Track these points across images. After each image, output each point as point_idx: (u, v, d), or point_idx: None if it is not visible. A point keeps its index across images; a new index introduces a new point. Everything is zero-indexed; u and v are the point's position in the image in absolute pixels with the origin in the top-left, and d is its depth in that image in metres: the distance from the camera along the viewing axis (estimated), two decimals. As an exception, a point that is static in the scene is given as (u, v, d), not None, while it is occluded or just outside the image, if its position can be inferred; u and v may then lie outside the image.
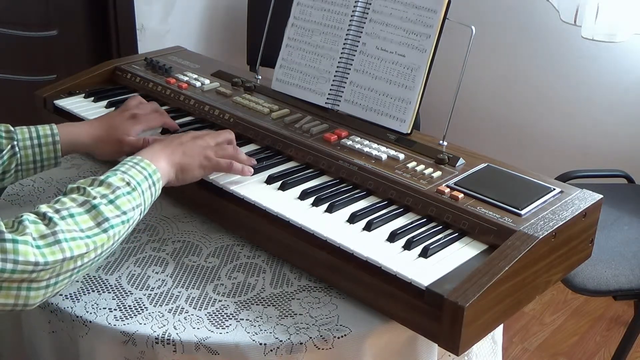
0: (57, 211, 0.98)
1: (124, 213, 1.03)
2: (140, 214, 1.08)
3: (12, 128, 1.23)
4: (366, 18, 1.42)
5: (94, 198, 1.01)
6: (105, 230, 1.00)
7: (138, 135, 1.31)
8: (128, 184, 1.06)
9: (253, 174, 1.28)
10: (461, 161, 1.28)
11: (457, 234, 1.13)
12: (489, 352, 1.28)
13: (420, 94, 1.35)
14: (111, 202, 1.02)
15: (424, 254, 1.07)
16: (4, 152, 1.21)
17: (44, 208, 0.99)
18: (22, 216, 0.96)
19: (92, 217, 1.00)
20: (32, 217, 0.97)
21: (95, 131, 1.29)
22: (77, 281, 1.16)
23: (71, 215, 0.98)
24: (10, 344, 1.23)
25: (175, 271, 1.19)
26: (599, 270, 1.80)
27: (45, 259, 0.93)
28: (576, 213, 1.14)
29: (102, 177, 1.05)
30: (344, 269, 1.09)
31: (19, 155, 1.23)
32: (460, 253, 1.09)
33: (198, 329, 1.06)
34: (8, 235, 0.92)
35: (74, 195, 1.02)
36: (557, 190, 1.20)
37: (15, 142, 1.22)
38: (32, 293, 0.95)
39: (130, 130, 1.30)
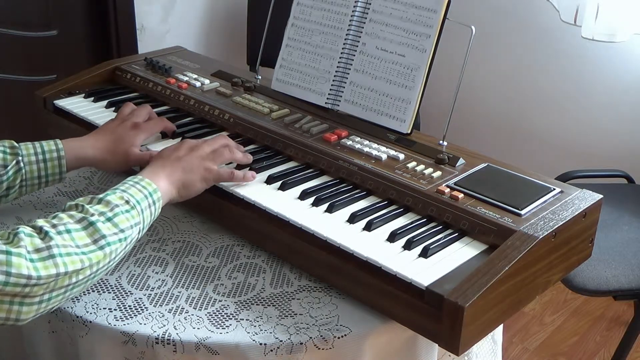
0: (53, 226, 0.97)
1: (122, 231, 1.02)
2: (139, 233, 1.07)
3: (16, 144, 1.22)
4: (366, 18, 1.42)
5: (92, 215, 1.01)
6: (101, 248, 0.99)
7: (141, 143, 1.31)
8: (127, 202, 1.05)
9: (253, 174, 1.28)
10: (461, 161, 1.28)
11: (457, 234, 1.13)
12: (489, 352, 1.28)
13: (420, 94, 1.35)
14: (109, 219, 1.02)
15: (424, 254, 1.07)
16: (9, 168, 1.20)
17: (40, 222, 0.98)
18: (18, 228, 0.96)
19: (88, 233, 0.99)
20: (28, 230, 0.96)
21: (101, 144, 1.28)
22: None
23: (68, 231, 0.97)
24: (10, 344, 1.23)
25: (175, 271, 1.19)
26: (599, 270, 1.80)
27: (38, 273, 0.92)
28: (576, 213, 1.14)
29: (101, 196, 1.05)
30: (344, 269, 1.09)
31: (23, 170, 1.22)
32: (460, 253, 1.09)
33: (198, 329, 1.06)
34: (2, 247, 0.91)
35: (72, 212, 1.01)
36: (557, 190, 1.20)
37: (20, 158, 1.21)
38: (24, 308, 0.94)
39: (135, 141, 1.29)
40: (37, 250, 0.94)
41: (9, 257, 0.91)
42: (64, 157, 1.25)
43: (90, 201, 1.04)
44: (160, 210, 1.12)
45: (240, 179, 1.24)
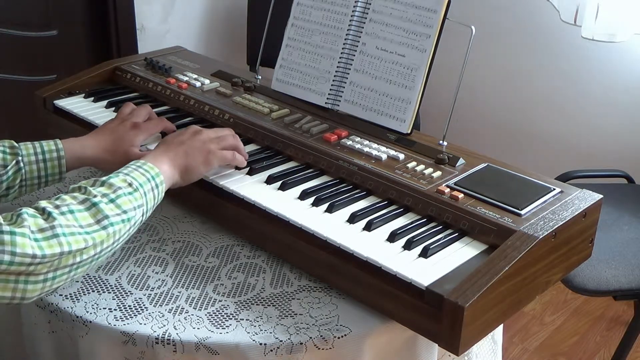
0: (56, 207, 0.99)
1: (125, 212, 1.03)
2: (143, 215, 1.08)
3: (16, 144, 1.23)
4: (366, 18, 1.42)
5: (95, 196, 1.02)
6: (104, 228, 1.00)
7: (141, 143, 1.31)
8: (130, 184, 1.06)
9: (253, 174, 1.28)
10: (461, 161, 1.28)
11: (457, 234, 1.13)
12: (489, 352, 1.28)
13: (420, 94, 1.35)
14: (112, 201, 1.03)
15: (424, 254, 1.07)
16: (9, 168, 1.20)
17: (43, 203, 0.99)
18: (21, 209, 0.97)
19: (91, 214, 1.00)
20: (32, 211, 0.97)
21: (101, 144, 1.29)
22: (77, 281, 1.16)
23: (71, 212, 0.99)
24: (10, 344, 1.23)
25: (175, 271, 1.19)
26: (599, 270, 1.80)
27: (42, 251, 0.93)
28: (576, 213, 1.14)
29: (103, 178, 1.06)
30: (344, 269, 1.09)
31: (23, 170, 1.22)
32: (460, 253, 1.09)
33: (198, 329, 1.06)
34: (6, 227, 0.92)
35: (74, 194, 1.03)
36: (557, 190, 1.20)
37: (19, 158, 1.21)
38: (29, 286, 0.95)
39: (134, 141, 1.29)
40: (41, 230, 0.95)
41: (13, 237, 0.92)
42: (64, 157, 1.25)
43: (93, 183, 1.05)
44: (163, 193, 1.13)
45: (239, 162, 1.26)
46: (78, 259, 0.98)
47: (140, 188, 1.07)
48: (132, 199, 1.05)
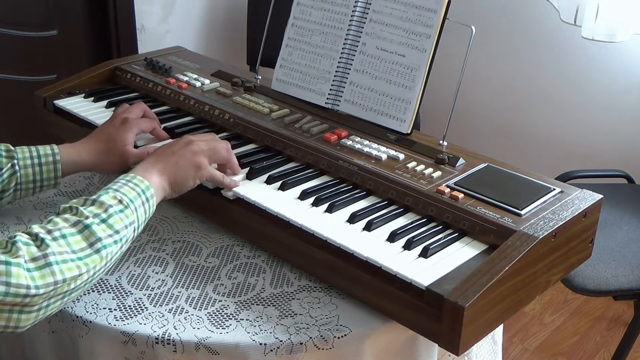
0: (49, 232, 0.97)
1: (117, 232, 1.02)
2: (135, 231, 1.07)
3: (12, 147, 1.22)
4: (366, 18, 1.42)
5: (87, 218, 1.00)
6: (97, 251, 0.99)
7: (133, 139, 1.30)
8: (120, 201, 1.04)
9: (254, 175, 1.28)
10: (461, 161, 1.28)
11: (457, 234, 1.13)
12: (489, 352, 1.28)
13: (420, 94, 1.35)
14: (104, 221, 1.01)
15: (424, 254, 1.07)
16: (4, 171, 1.20)
17: (36, 228, 0.98)
18: (15, 237, 0.96)
19: (84, 237, 0.99)
20: (25, 238, 0.96)
21: (94, 147, 1.27)
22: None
23: (63, 236, 0.97)
24: (10, 344, 1.23)
25: (175, 271, 1.19)
26: (599, 270, 1.80)
27: (35, 282, 0.92)
28: (576, 213, 1.14)
29: (94, 197, 1.04)
30: (344, 269, 1.09)
31: (18, 174, 1.21)
32: (460, 253, 1.09)
33: (198, 329, 1.06)
34: (1, 257, 0.91)
35: (66, 215, 1.01)
36: (557, 190, 1.20)
37: (15, 161, 1.21)
38: (23, 316, 0.94)
39: (127, 139, 1.27)
40: (34, 259, 0.94)
41: (9, 267, 0.91)
42: (60, 162, 1.24)
43: (84, 203, 1.03)
44: (155, 207, 1.11)
45: (227, 185, 1.23)
46: (72, 285, 0.97)
47: (130, 204, 1.05)
48: (123, 216, 1.04)
